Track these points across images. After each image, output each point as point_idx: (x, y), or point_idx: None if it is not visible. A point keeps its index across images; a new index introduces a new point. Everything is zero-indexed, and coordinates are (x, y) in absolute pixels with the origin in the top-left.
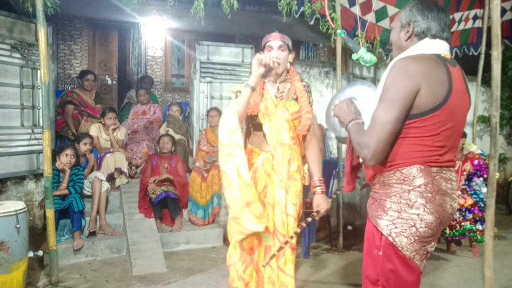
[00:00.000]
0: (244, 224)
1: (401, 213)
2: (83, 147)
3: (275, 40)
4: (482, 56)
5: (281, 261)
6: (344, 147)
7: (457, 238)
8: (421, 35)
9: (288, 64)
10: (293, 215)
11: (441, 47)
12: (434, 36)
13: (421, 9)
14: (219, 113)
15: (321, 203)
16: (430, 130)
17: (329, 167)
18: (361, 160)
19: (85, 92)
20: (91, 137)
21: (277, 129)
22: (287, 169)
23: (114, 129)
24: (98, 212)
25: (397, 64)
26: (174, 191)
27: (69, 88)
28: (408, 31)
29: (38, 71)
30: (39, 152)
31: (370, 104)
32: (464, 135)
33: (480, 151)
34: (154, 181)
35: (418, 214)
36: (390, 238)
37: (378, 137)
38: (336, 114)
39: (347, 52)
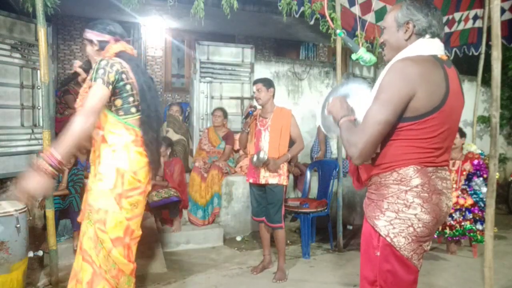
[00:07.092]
0: None
1: (399, 213)
2: None
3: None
4: (482, 56)
5: None
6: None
7: (457, 238)
8: (422, 33)
9: None
10: None
11: (437, 48)
12: (433, 34)
13: (420, 7)
14: (224, 113)
15: None
16: (428, 133)
17: (329, 167)
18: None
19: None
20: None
21: None
22: None
23: None
24: None
25: (395, 65)
26: (176, 193)
27: None
28: (407, 30)
29: (38, 71)
30: (39, 152)
31: (363, 102)
32: (464, 135)
33: (480, 151)
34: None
35: (415, 214)
36: (388, 239)
37: (367, 137)
38: (330, 111)
39: (347, 52)
